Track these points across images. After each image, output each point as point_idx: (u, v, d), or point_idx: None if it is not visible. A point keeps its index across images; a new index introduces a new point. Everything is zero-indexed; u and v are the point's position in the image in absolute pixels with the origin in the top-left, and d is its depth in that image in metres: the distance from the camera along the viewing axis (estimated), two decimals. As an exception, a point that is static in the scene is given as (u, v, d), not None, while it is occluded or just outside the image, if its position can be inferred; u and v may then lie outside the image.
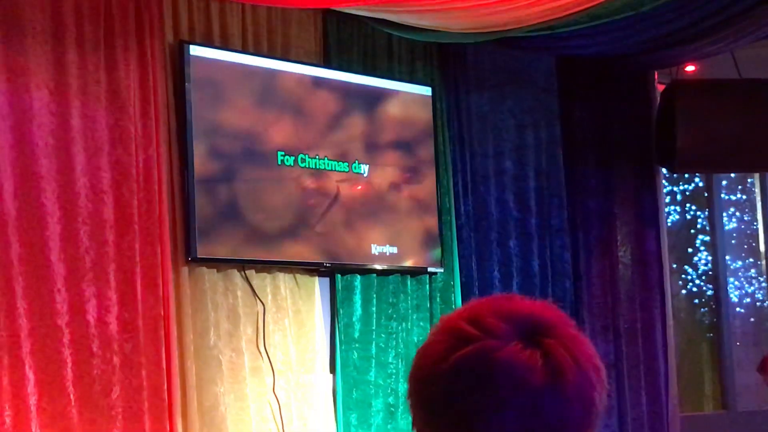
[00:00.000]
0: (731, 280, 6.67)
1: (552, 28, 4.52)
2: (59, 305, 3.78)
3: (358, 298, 4.72)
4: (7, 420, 3.62)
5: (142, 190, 4.03)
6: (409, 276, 4.91)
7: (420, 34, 4.69)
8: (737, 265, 6.71)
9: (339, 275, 4.68)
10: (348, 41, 4.88)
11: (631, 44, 5.29)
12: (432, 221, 4.98)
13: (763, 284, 6.75)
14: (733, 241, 6.72)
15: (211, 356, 4.17)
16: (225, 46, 4.41)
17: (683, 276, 6.62)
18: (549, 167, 5.56)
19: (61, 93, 3.88)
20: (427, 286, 4.98)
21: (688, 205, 6.70)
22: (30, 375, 3.68)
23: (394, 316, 4.82)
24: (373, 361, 4.71)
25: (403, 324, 4.84)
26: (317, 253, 4.55)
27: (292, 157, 4.52)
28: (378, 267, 4.76)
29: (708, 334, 6.73)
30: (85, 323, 3.83)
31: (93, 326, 3.85)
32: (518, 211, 5.41)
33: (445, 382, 1.06)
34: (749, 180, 6.81)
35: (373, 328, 4.73)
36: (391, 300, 4.83)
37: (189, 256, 4.16)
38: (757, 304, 6.77)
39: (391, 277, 4.85)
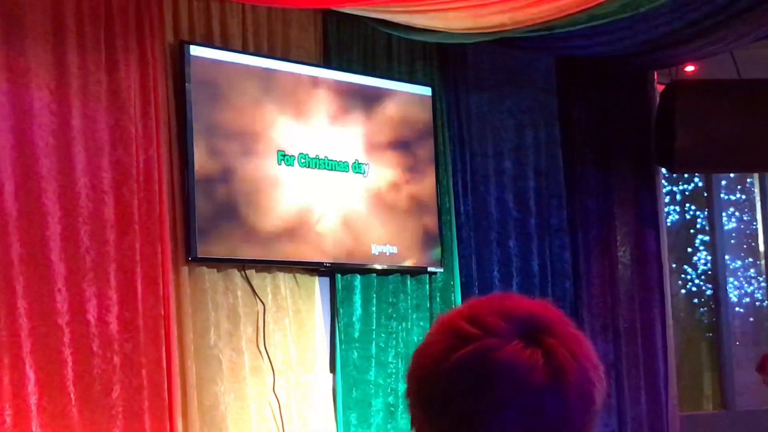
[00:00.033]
0: (730, 279, 6.68)
1: (551, 28, 4.53)
2: (60, 305, 3.78)
3: (358, 298, 4.73)
4: (8, 419, 3.62)
5: (142, 190, 4.04)
6: (409, 276, 4.92)
7: (420, 35, 4.69)
8: (736, 265, 6.72)
9: (339, 275, 4.69)
10: (348, 41, 4.89)
11: (630, 45, 5.29)
12: (432, 221, 4.99)
13: (763, 284, 6.76)
14: (732, 241, 6.73)
15: (211, 356, 4.18)
16: (225, 47, 4.42)
17: (683, 276, 6.63)
18: (548, 167, 5.56)
19: (61, 93, 3.89)
20: (427, 285, 4.98)
21: (687, 205, 6.71)
22: (30, 374, 3.69)
23: (394, 315, 4.83)
24: (373, 360, 4.72)
25: (403, 324, 4.85)
26: (317, 252, 4.55)
27: (293, 157, 4.52)
28: (378, 267, 4.77)
29: (707, 334, 6.74)
30: (85, 323, 3.84)
31: (93, 326, 3.85)
32: (518, 211, 5.42)
33: (446, 382, 1.05)
34: (748, 180, 6.82)
35: (373, 327, 4.74)
36: (391, 300, 4.83)
37: (189, 255, 4.16)
38: (757, 303, 6.77)
39: (391, 276, 4.85)
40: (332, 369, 4.66)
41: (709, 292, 6.69)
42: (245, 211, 4.35)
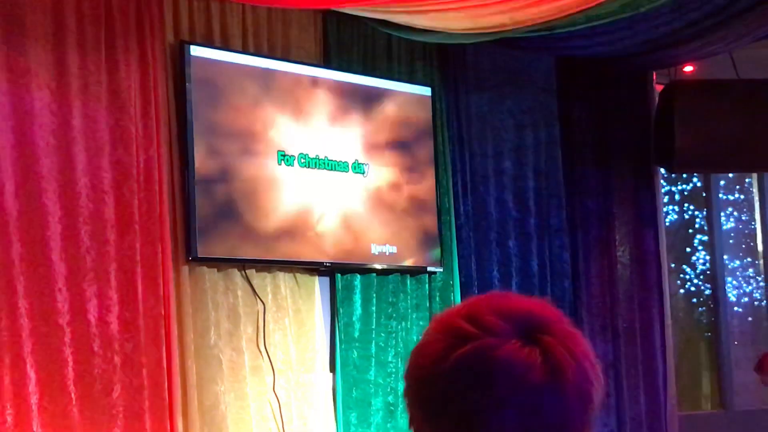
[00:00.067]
0: (729, 279, 6.69)
1: (552, 28, 4.53)
2: (60, 305, 3.79)
3: (357, 298, 4.74)
4: (9, 419, 3.63)
5: (142, 190, 4.04)
6: (408, 275, 4.93)
7: (419, 35, 4.70)
8: (735, 265, 6.73)
9: (339, 275, 4.69)
10: (348, 42, 4.90)
11: (629, 45, 5.30)
12: (431, 221, 5.00)
13: (761, 284, 6.77)
14: (731, 241, 6.74)
15: (211, 355, 4.19)
16: (225, 47, 4.43)
17: (681, 275, 6.64)
18: (548, 167, 5.57)
19: (62, 93, 3.90)
20: (427, 285, 4.99)
21: (686, 204, 6.72)
22: (31, 374, 3.69)
23: (394, 315, 4.84)
24: (373, 360, 4.72)
25: (403, 323, 4.86)
26: (317, 252, 4.56)
27: (293, 157, 4.53)
28: (378, 266, 4.78)
29: (706, 334, 6.75)
30: (86, 322, 3.84)
31: (94, 325, 3.86)
32: (517, 211, 5.43)
33: (445, 382, 1.05)
34: (747, 180, 6.83)
35: (373, 327, 4.75)
36: (390, 299, 4.84)
37: (189, 255, 4.17)
38: (755, 303, 6.78)
39: (390, 276, 4.86)
40: (332, 368, 4.67)
41: (707, 292, 6.69)
42: (245, 211, 4.36)
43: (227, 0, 4.39)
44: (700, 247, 6.68)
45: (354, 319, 4.71)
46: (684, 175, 6.59)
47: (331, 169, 4.65)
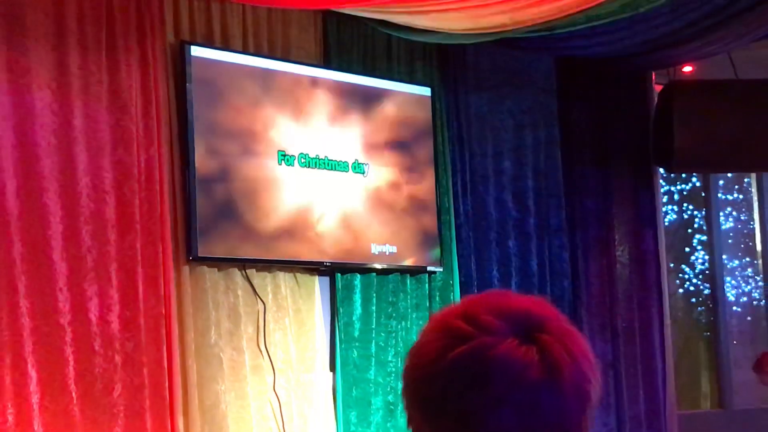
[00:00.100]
0: (728, 279, 6.70)
1: (552, 28, 4.54)
2: (61, 304, 3.80)
3: (357, 297, 4.75)
4: (10, 418, 3.64)
5: (143, 189, 4.05)
6: (408, 275, 4.94)
7: (419, 35, 4.71)
8: (734, 265, 6.74)
9: (339, 274, 4.70)
10: (348, 42, 4.90)
11: (629, 45, 5.31)
12: (431, 221, 5.01)
13: (760, 283, 6.78)
14: (729, 241, 6.75)
15: (212, 355, 4.20)
16: (226, 47, 4.44)
17: (680, 275, 6.65)
18: (547, 167, 5.58)
19: (63, 93, 3.90)
20: (427, 285, 5.00)
21: (685, 204, 6.73)
22: (32, 373, 3.70)
23: (394, 314, 4.85)
24: (373, 359, 4.73)
25: (403, 323, 4.87)
26: (317, 252, 4.57)
27: (293, 157, 4.54)
28: (378, 266, 4.79)
29: (705, 333, 6.76)
30: (87, 322, 3.85)
31: (95, 325, 3.87)
32: (517, 210, 5.44)
33: (442, 381, 1.06)
34: (746, 180, 6.84)
35: (373, 326, 4.76)
36: (390, 299, 4.85)
37: (190, 255, 4.18)
38: (754, 302, 6.79)
39: (390, 276, 4.87)
40: (332, 368, 4.68)
41: (706, 292, 6.70)
42: (246, 210, 4.37)
43: (227, 0, 4.40)
44: (699, 247, 6.69)
45: (354, 318, 4.72)
46: (683, 175, 6.59)
47: (331, 169, 4.66)
